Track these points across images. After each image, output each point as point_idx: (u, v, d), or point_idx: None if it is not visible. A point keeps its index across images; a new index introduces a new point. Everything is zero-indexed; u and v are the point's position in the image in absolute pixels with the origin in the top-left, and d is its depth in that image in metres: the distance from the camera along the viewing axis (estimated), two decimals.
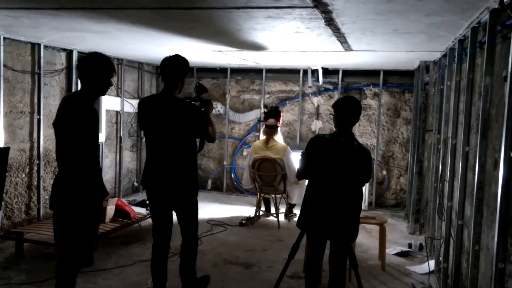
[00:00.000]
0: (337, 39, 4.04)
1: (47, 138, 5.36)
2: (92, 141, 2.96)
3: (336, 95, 7.17)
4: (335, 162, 3.16)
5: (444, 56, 4.52)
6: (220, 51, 5.24)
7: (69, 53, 5.65)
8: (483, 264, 2.73)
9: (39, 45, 5.12)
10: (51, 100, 5.44)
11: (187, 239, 3.55)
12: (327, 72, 7.03)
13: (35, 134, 5.20)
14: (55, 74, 5.48)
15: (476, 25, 3.05)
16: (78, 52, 5.73)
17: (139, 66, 7.26)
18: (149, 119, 3.37)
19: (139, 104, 3.44)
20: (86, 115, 2.90)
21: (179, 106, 3.31)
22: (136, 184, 7.42)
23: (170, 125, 3.29)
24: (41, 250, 4.54)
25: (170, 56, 3.33)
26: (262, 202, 6.30)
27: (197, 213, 3.58)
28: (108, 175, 6.68)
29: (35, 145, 5.22)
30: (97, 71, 2.95)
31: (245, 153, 7.67)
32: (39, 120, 5.21)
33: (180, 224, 3.53)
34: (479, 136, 2.76)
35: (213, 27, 3.78)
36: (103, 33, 4.32)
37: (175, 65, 3.32)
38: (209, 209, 6.46)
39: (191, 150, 3.41)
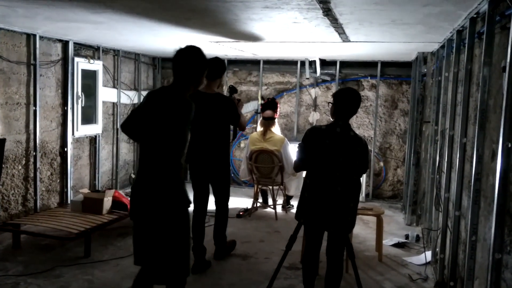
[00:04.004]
0: (334, 29, 4.02)
1: (43, 130, 5.34)
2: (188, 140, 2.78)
3: (334, 87, 7.16)
4: (332, 153, 3.15)
5: (442, 47, 4.50)
6: (217, 42, 5.21)
7: (65, 44, 5.61)
8: (479, 255, 2.74)
9: (34, 35, 5.08)
10: (47, 92, 5.41)
11: (220, 207, 4.31)
12: (324, 63, 7.01)
13: (31, 126, 5.18)
14: (51, 65, 5.44)
15: (475, 16, 3.03)
16: (74, 43, 5.68)
17: (135, 57, 7.22)
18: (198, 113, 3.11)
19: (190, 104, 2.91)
20: (190, 112, 2.70)
21: (220, 100, 4.08)
22: (133, 176, 7.41)
23: (213, 115, 3.87)
24: (38, 241, 4.54)
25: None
26: (260, 194, 6.30)
27: (229, 187, 4.33)
28: (105, 167, 6.67)
29: (31, 136, 5.19)
30: (197, 65, 2.72)
31: (242, 145, 7.66)
32: (35, 111, 5.18)
33: (216, 195, 4.28)
34: (477, 127, 2.76)
35: (209, 18, 3.74)
36: (98, 23, 4.28)
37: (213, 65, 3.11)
38: None
39: (227, 137, 4.20)
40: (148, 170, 2.74)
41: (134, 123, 2.87)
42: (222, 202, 4.32)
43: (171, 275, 2.78)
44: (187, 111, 2.71)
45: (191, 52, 2.77)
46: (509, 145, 2.18)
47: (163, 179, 2.71)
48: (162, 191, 2.70)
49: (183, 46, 2.79)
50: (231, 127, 4.32)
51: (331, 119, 3.29)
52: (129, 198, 5.02)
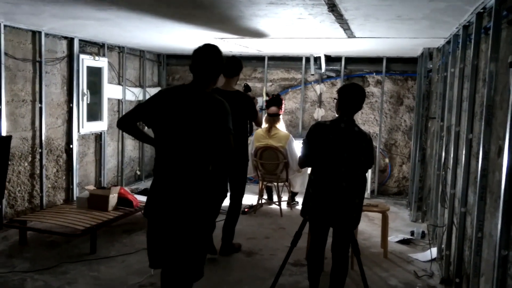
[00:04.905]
0: (340, 25, 4.00)
1: (49, 127, 5.36)
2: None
3: (339, 83, 7.13)
4: (337, 148, 3.14)
5: (448, 42, 4.47)
6: (222, 38, 5.20)
7: (70, 41, 5.62)
8: (485, 252, 2.73)
9: (39, 33, 5.09)
10: (53, 89, 5.43)
11: (234, 203, 4.46)
12: (329, 59, 6.99)
13: (37, 123, 5.20)
14: (57, 62, 5.46)
15: (481, 10, 3.01)
16: (79, 40, 5.70)
17: (140, 54, 7.23)
18: None
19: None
20: (225, 110, 2.65)
21: (240, 98, 4.24)
22: (138, 172, 7.43)
23: (234, 112, 3.39)
24: (44, 238, 4.56)
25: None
26: (265, 191, 6.30)
27: (245, 183, 4.53)
28: (110, 163, 6.69)
29: (37, 133, 5.22)
30: (216, 62, 2.72)
31: None
32: (40, 108, 5.20)
33: (232, 191, 4.44)
34: (483, 123, 2.74)
35: (214, 14, 3.74)
36: (103, 20, 4.29)
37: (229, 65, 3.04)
38: None
39: (246, 133, 4.37)
40: (176, 170, 2.65)
41: (144, 119, 2.77)
42: (237, 197, 4.46)
43: (190, 276, 2.74)
44: (223, 112, 2.66)
45: (210, 50, 2.75)
46: None
47: (195, 179, 2.64)
48: (192, 191, 2.64)
49: (201, 44, 2.75)
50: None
51: (336, 115, 3.28)
52: (135, 195, 4.99)
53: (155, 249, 2.72)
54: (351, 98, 3.19)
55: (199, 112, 2.62)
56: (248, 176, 6.65)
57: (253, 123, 4.55)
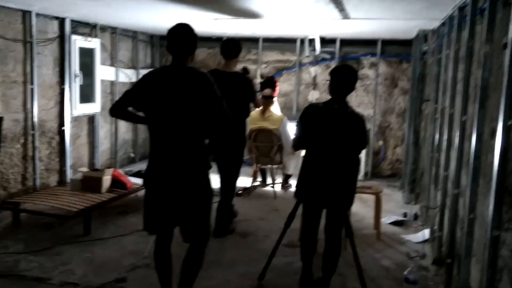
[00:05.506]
0: (335, 6, 3.97)
1: (41, 109, 5.31)
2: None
3: (334, 65, 7.09)
4: (330, 129, 3.14)
5: (443, 24, 4.44)
6: (216, 19, 5.14)
7: (62, 21, 5.53)
8: (477, 233, 2.75)
9: (30, 12, 5.00)
10: (44, 70, 5.36)
11: (228, 184, 4.47)
12: (324, 41, 6.94)
13: (28, 104, 5.15)
14: (48, 43, 5.38)
15: None
16: (71, 20, 5.61)
17: (133, 35, 7.14)
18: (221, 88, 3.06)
19: (210, 75, 2.90)
20: (209, 83, 2.76)
21: (239, 79, 4.31)
22: (132, 155, 7.40)
23: (233, 93, 3.72)
24: (37, 220, 4.56)
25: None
26: (259, 173, 6.31)
27: (241, 164, 4.51)
28: (103, 146, 6.66)
29: (29, 115, 5.17)
30: (192, 37, 2.80)
31: None
32: (32, 90, 5.14)
33: (225, 172, 4.44)
34: (477, 105, 2.74)
35: None
36: (95, 0, 4.22)
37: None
38: None
39: (245, 114, 4.40)
40: (172, 146, 2.78)
41: (133, 104, 2.88)
42: (232, 179, 4.48)
43: (198, 235, 2.92)
44: (207, 83, 2.76)
45: (183, 29, 2.83)
46: (509, 123, 2.17)
47: (189, 151, 2.78)
48: (189, 163, 2.79)
49: (173, 25, 2.84)
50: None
51: (330, 96, 3.27)
52: (129, 177, 4.97)
53: (154, 215, 2.87)
54: (343, 79, 3.17)
55: (184, 86, 2.74)
56: None
57: (252, 104, 4.56)
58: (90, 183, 4.77)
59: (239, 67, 4.68)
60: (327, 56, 7.18)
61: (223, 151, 4.39)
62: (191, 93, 2.73)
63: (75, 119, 5.97)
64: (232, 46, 4.32)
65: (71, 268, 3.66)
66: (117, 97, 6.71)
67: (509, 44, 2.15)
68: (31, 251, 3.91)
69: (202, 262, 2.98)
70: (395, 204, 5.72)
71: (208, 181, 2.91)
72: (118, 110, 2.92)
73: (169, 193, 2.80)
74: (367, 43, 6.97)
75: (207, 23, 5.48)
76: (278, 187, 6.20)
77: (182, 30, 2.82)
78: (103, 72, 6.41)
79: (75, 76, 5.74)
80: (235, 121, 3.96)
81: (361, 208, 5.38)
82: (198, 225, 2.89)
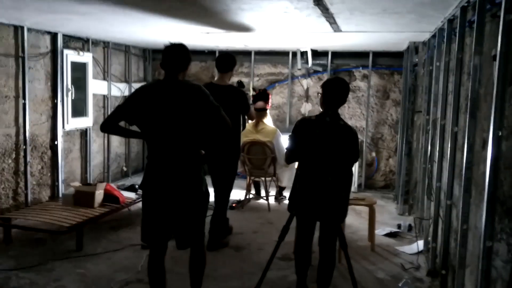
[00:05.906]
0: (326, 19, 4.00)
1: (33, 123, 5.28)
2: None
3: (326, 77, 7.13)
4: (322, 142, 3.15)
5: (433, 36, 4.50)
6: (208, 33, 5.16)
7: (54, 36, 5.54)
8: (471, 243, 2.76)
9: (22, 27, 5.00)
10: (36, 84, 5.35)
11: (222, 196, 4.47)
12: (316, 54, 6.98)
13: (20, 119, 5.12)
14: (40, 58, 5.38)
15: (466, 4, 3.03)
16: (63, 35, 5.61)
17: (126, 49, 7.15)
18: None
19: (207, 88, 3.07)
20: (204, 94, 2.90)
21: (233, 92, 4.35)
22: (125, 169, 7.37)
23: (227, 106, 3.60)
24: (29, 235, 4.51)
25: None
26: (252, 185, 6.30)
27: (234, 177, 4.55)
28: (96, 160, 6.62)
29: (21, 130, 5.14)
30: (186, 54, 2.95)
31: None
32: (24, 104, 5.11)
33: (218, 185, 4.45)
34: (467, 116, 2.76)
35: (200, 8, 3.71)
36: (87, 14, 4.22)
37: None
38: None
39: (238, 127, 4.39)
40: (169, 153, 2.87)
41: (126, 118, 2.95)
42: (225, 191, 4.49)
43: (197, 238, 3.09)
44: (203, 94, 2.88)
45: (177, 47, 2.96)
46: (500, 134, 2.19)
47: (187, 161, 2.89)
48: (187, 172, 2.91)
49: (168, 44, 2.97)
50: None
51: (321, 109, 3.29)
52: (121, 191, 4.96)
53: (153, 224, 2.95)
54: (335, 92, 3.20)
55: (180, 98, 2.83)
56: None
57: (246, 117, 4.60)
58: (82, 197, 4.73)
59: (233, 80, 4.71)
60: (319, 68, 7.23)
61: (217, 164, 4.40)
62: (187, 105, 2.83)
63: (67, 134, 5.95)
64: (226, 60, 4.42)
65: (63, 284, 3.61)
66: (109, 111, 6.73)
67: (498, 56, 2.18)
68: (22, 267, 3.86)
69: (205, 259, 3.19)
70: (389, 215, 5.72)
71: (206, 187, 3.07)
72: (109, 125, 2.96)
73: (169, 201, 2.89)
74: (359, 55, 7.02)
75: (199, 36, 5.51)
76: (272, 200, 6.18)
77: (176, 50, 2.95)
78: (96, 86, 6.40)
79: (67, 90, 5.73)
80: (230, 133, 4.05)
81: (355, 220, 5.38)
82: (197, 230, 3.05)
